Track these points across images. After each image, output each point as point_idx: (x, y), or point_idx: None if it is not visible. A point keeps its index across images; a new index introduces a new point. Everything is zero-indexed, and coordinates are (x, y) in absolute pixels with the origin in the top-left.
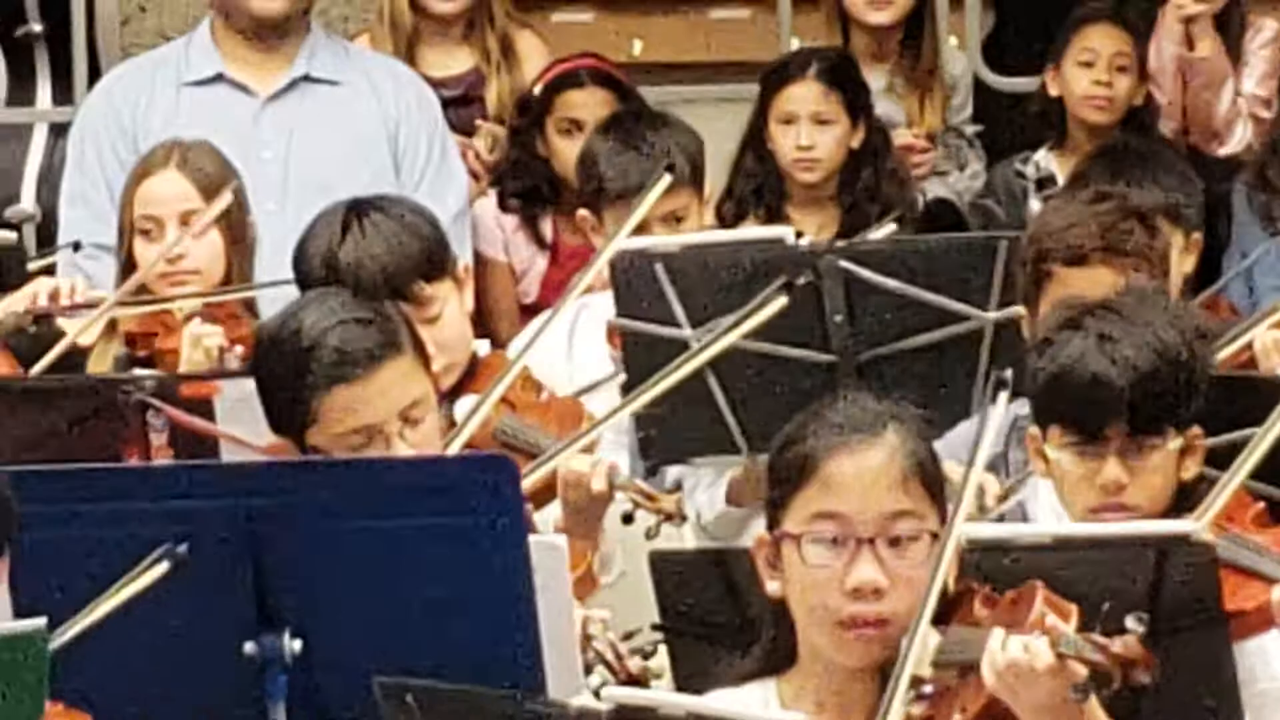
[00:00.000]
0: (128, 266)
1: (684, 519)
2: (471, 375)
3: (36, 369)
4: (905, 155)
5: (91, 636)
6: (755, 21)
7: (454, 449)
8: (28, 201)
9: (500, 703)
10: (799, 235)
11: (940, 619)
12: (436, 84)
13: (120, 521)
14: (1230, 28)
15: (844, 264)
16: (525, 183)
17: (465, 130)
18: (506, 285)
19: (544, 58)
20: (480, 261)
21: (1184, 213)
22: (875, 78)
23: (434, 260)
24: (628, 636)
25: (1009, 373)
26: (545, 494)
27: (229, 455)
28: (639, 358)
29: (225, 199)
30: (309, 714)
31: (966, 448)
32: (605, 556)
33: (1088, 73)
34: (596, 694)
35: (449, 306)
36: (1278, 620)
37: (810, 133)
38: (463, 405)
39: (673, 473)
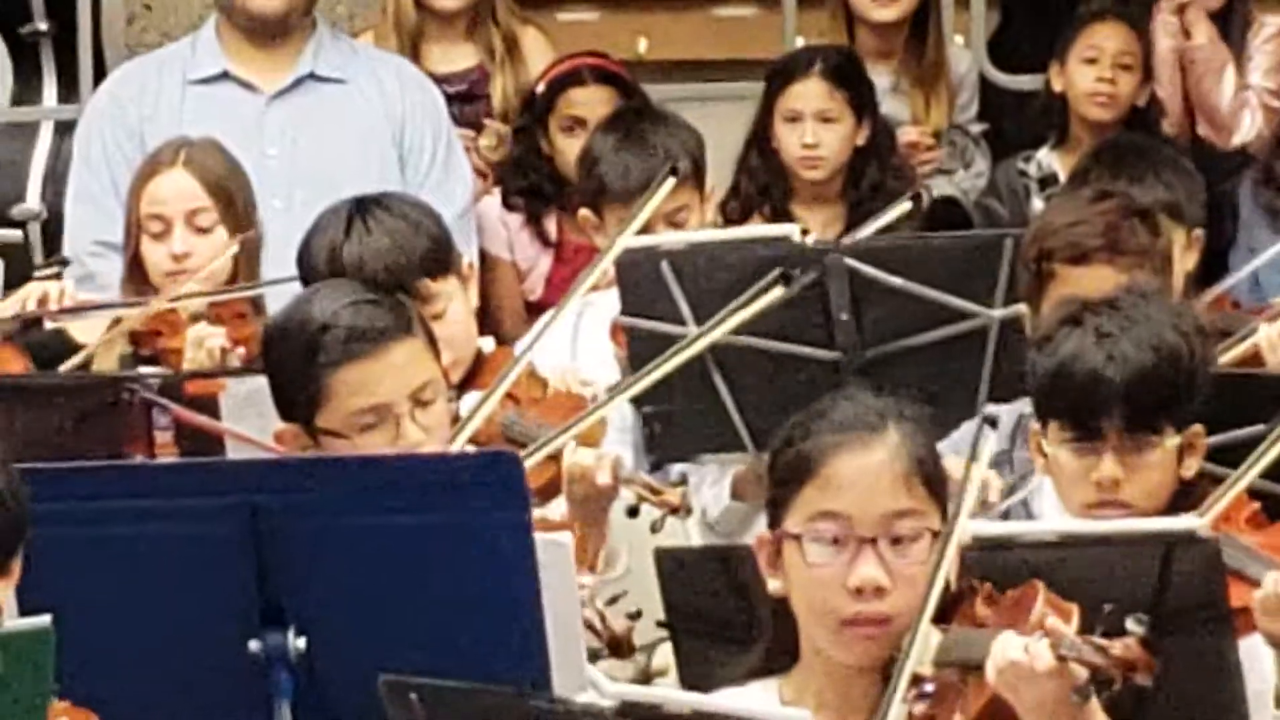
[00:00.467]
0: (134, 265)
1: (689, 513)
2: (477, 372)
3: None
4: (910, 153)
5: (97, 634)
6: (760, 19)
7: (459, 445)
8: (33, 200)
9: (506, 700)
10: (804, 233)
11: (942, 617)
12: (440, 80)
13: (125, 519)
14: (1233, 25)
15: (849, 262)
16: (529, 181)
17: (469, 127)
18: (511, 283)
19: (548, 55)
20: (485, 259)
21: (1185, 210)
22: (880, 76)
23: (438, 257)
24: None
25: (1002, 410)
26: (551, 488)
27: (234, 452)
28: (644, 355)
29: (233, 249)
30: (314, 712)
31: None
32: (610, 551)
33: (1091, 69)
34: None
35: (454, 303)
36: (1258, 623)
37: (815, 131)
38: (468, 401)
39: (677, 469)
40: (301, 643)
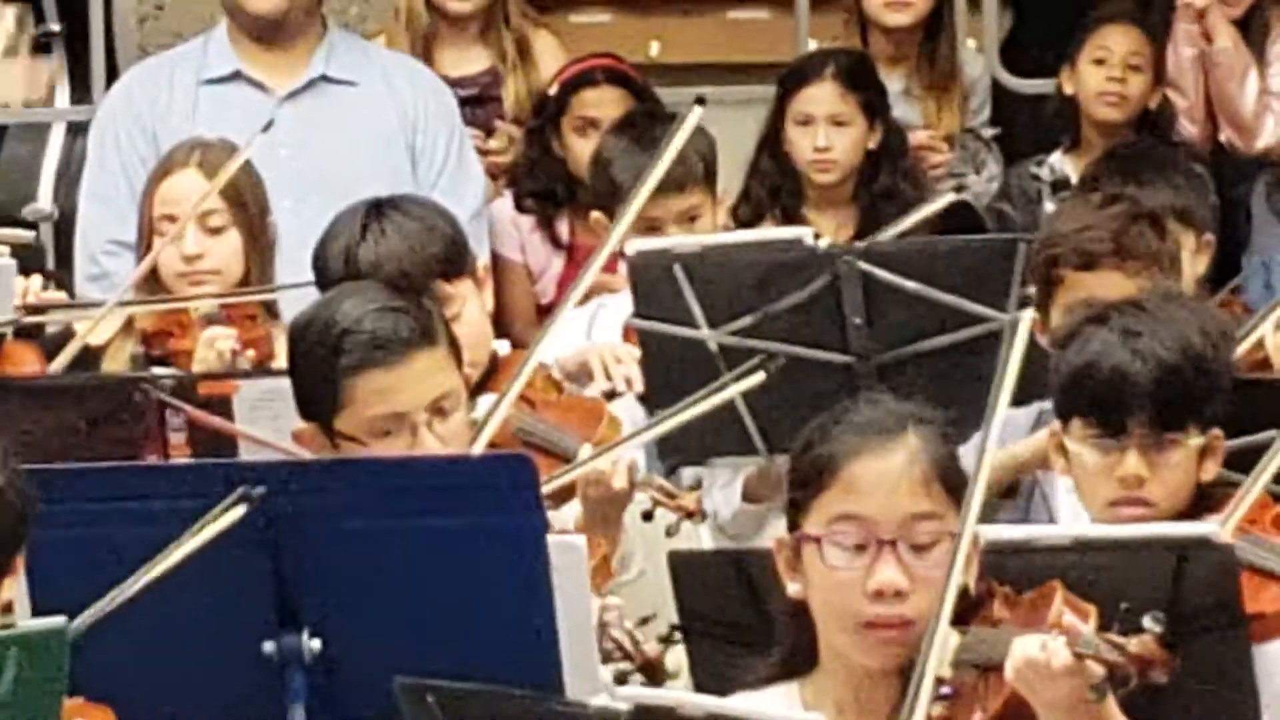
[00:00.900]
0: None
1: (704, 516)
2: (492, 374)
3: (52, 366)
4: (920, 155)
5: (113, 631)
6: (773, 23)
7: (476, 448)
8: (45, 200)
9: (520, 703)
10: (817, 236)
11: (961, 619)
12: (453, 83)
13: (139, 520)
14: (1253, 31)
15: (863, 265)
16: (541, 183)
17: (481, 129)
18: (523, 286)
19: (560, 58)
20: (496, 262)
21: (1195, 214)
22: (893, 80)
23: (453, 260)
24: (643, 623)
25: (1032, 289)
26: (565, 492)
27: (248, 454)
28: (656, 358)
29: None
30: (328, 714)
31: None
32: (625, 555)
33: (1101, 70)
34: (620, 679)
35: (469, 306)
36: None
37: (827, 134)
38: (483, 404)
39: (689, 472)
40: (316, 645)
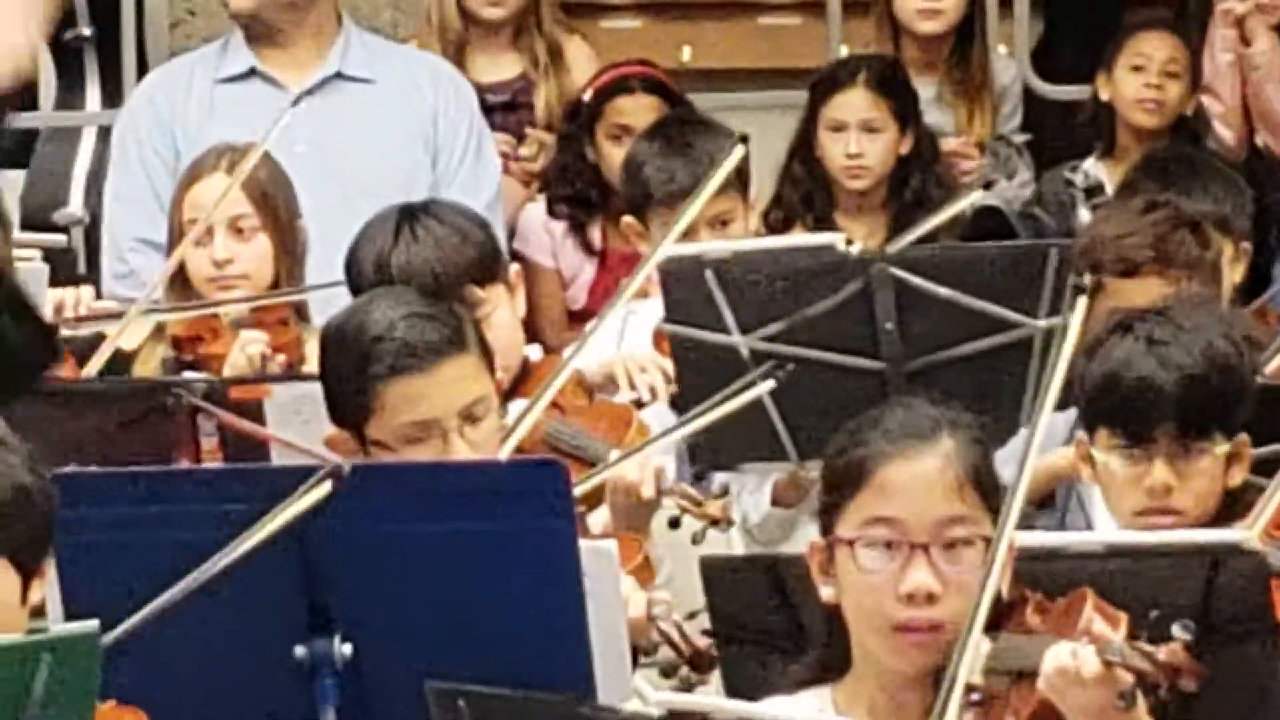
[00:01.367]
0: (177, 268)
1: (731, 524)
2: (523, 380)
3: (85, 371)
4: (952, 161)
5: (145, 635)
6: (805, 29)
7: (505, 453)
8: (76, 205)
9: (552, 707)
10: (849, 242)
11: (993, 626)
12: (485, 89)
13: (171, 524)
14: None
15: (895, 271)
16: (574, 189)
17: (513, 136)
18: (555, 292)
19: (592, 64)
20: (528, 267)
21: (1233, 221)
22: (925, 87)
23: (486, 265)
24: (691, 617)
25: (1087, 279)
26: (594, 498)
27: (279, 459)
28: (688, 364)
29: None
30: (359, 718)
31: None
32: (655, 560)
33: (1139, 76)
34: (667, 671)
35: (500, 311)
36: None
37: (859, 140)
38: (514, 410)
39: (719, 478)
40: (347, 649)
